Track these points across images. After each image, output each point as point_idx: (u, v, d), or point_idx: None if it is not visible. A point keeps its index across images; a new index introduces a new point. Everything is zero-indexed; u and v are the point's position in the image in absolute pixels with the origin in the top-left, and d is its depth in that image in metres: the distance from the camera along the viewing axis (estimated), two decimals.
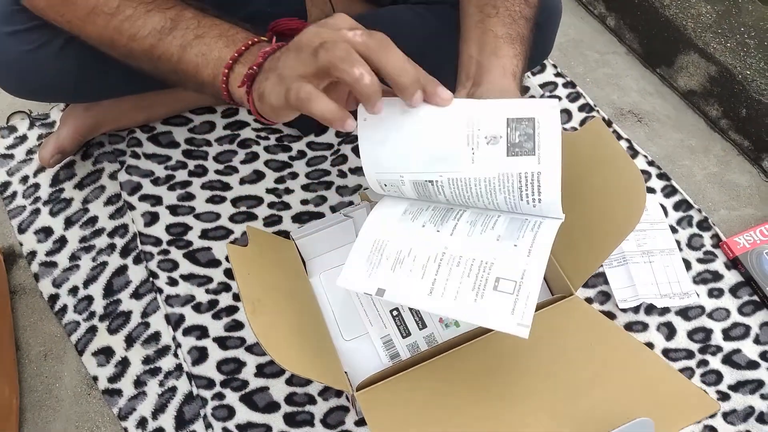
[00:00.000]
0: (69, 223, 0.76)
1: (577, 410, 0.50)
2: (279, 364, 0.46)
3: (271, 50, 0.45)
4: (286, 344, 0.49)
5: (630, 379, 0.52)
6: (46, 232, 0.75)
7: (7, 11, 0.61)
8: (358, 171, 0.82)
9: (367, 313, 0.63)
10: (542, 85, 0.93)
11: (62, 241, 0.75)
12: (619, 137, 0.88)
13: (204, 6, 0.51)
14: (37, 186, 0.79)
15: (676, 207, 0.81)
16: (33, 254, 0.74)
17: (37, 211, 0.77)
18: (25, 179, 0.80)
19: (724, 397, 0.66)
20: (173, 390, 0.65)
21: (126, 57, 0.52)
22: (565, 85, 0.94)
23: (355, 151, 0.84)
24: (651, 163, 0.85)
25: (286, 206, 0.78)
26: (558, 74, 0.95)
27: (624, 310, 0.71)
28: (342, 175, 0.81)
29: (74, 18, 0.52)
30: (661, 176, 0.84)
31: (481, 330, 0.58)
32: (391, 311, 0.63)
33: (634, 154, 0.86)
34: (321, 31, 0.41)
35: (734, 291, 0.74)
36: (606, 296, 0.72)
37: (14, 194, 0.78)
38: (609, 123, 0.90)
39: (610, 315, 0.71)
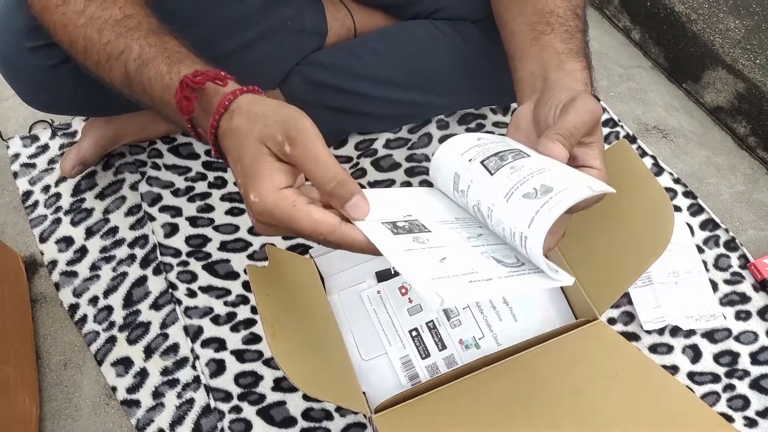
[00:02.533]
0: (90, 233, 0.76)
1: None
2: (299, 388, 0.45)
3: (213, 127, 0.42)
4: (306, 367, 0.48)
5: (655, 412, 0.51)
6: (67, 241, 0.76)
7: (30, 26, 0.62)
8: (377, 185, 0.81)
9: (385, 332, 0.62)
10: None
11: (83, 251, 0.75)
12: (644, 154, 0.86)
13: (152, 30, 0.47)
14: (58, 195, 0.80)
15: (703, 226, 0.79)
16: (54, 263, 0.74)
17: (58, 221, 0.77)
18: (46, 189, 0.80)
19: (751, 423, 0.65)
20: (191, 402, 0.65)
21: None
22: None
23: (374, 164, 0.83)
24: (677, 181, 0.83)
25: None
26: None
27: (648, 332, 0.70)
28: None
29: (69, 51, 0.50)
30: (687, 194, 0.82)
31: (501, 354, 0.57)
32: (410, 331, 0.63)
33: (659, 171, 0.84)
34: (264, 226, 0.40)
35: (762, 314, 0.72)
36: (630, 317, 0.71)
37: (36, 203, 0.79)
38: (633, 139, 0.88)
39: (635, 336, 0.70)
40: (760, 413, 0.65)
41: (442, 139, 0.86)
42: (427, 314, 0.63)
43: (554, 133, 0.42)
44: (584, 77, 0.51)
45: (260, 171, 0.39)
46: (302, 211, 0.38)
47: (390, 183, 0.82)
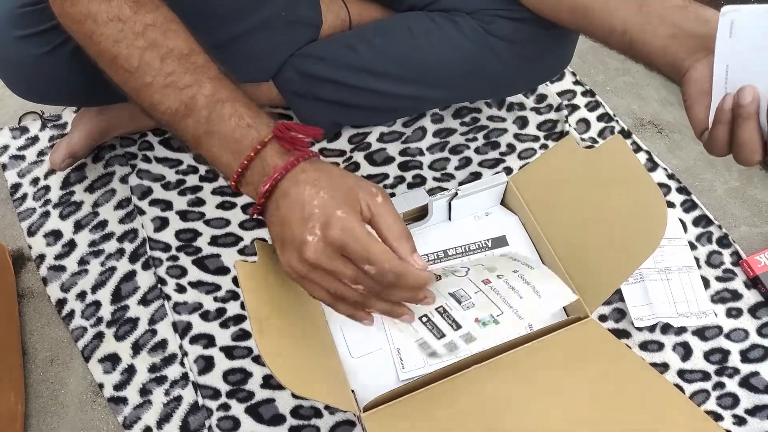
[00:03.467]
0: (79, 226, 0.76)
1: None
2: (286, 386, 0.45)
3: (265, 191, 0.46)
4: (293, 365, 0.47)
5: (643, 411, 0.50)
6: (56, 235, 0.75)
7: (16, 14, 0.61)
8: (370, 178, 0.80)
9: (394, 320, 0.60)
10: (560, 93, 0.91)
11: (71, 245, 0.74)
12: (639, 149, 0.86)
13: (221, 74, 0.49)
14: (47, 188, 0.79)
15: (696, 222, 0.78)
16: (42, 258, 0.73)
17: (47, 214, 0.76)
18: (35, 181, 0.79)
19: (740, 421, 0.65)
20: (179, 399, 0.64)
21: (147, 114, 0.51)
22: (584, 94, 0.92)
23: (368, 158, 0.83)
24: (671, 177, 0.83)
25: None
26: (577, 82, 0.93)
27: (639, 329, 0.69)
28: None
29: (99, 60, 0.50)
30: (681, 190, 0.82)
31: (491, 352, 0.56)
32: (420, 318, 0.61)
33: (654, 166, 0.84)
34: (320, 272, 0.46)
35: (753, 311, 0.72)
36: (621, 314, 0.71)
37: (24, 196, 0.78)
38: (628, 134, 0.88)
39: (625, 333, 0.69)
40: (749, 411, 0.65)
41: (436, 133, 0.86)
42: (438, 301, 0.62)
43: None
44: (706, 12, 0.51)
45: (352, 200, 0.45)
46: (375, 238, 0.44)
47: (383, 177, 0.81)
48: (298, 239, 0.44)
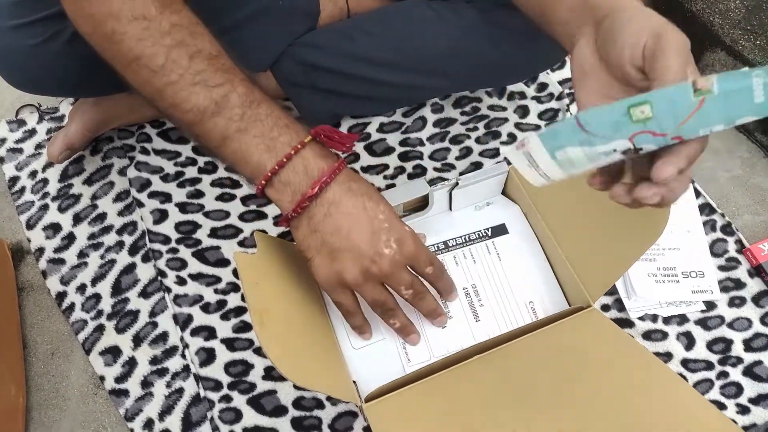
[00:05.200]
0: (77, 219, 0.75)
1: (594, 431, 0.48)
2: (287, 378, 0.44)
3: (313, 194, 0.46)
4: (294, 356, 0.47)
5: (647, 400, 0.50)
6: (55, 228, 0.75)
7: (10, 3, 0.60)
8: (370, 170, 0.80)
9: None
10: (561, 82, 0.90)
11: (70, 238, 0.74)
12: None
13: (253, 78, 0.48)
14: (45, 181, 0.78)
15: (699, 211, 0.78)
16: (41, 251, 0.73)
17: (45, 207, 0.76)
18: (33, 174, 0.79)
19: (744, 410, 0.64)
20: (180, 391, 0.64)
21: (165, 116, 0.49)
22: None
23: (368, 149, 0.82)
24: None
25: None
26: None
27: (642, 318, 0.69)
28: None
29: (117, 62, 0.48)
30: None
31: (493, 342, 0.56)
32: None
33: None
34: (388, 276, 0.51)
35: (757, 300, 0.71)
36: (623, 304, 0.70)
37: (23, 189, 0.78)
38: None
39: (628, 323, 0.69)
40: (752, 400, 0.65)
41: (436, 123, 0.85)
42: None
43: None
44: None
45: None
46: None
47: (383, 168, 0.80)
48: (372, 251, 0.48)
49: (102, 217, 0.75)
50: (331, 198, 0.47)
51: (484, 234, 0.68)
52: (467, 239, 0.68)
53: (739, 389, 0.66)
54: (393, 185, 0.78)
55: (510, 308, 0.63)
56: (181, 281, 0.70)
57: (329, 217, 0.46)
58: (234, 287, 0.70)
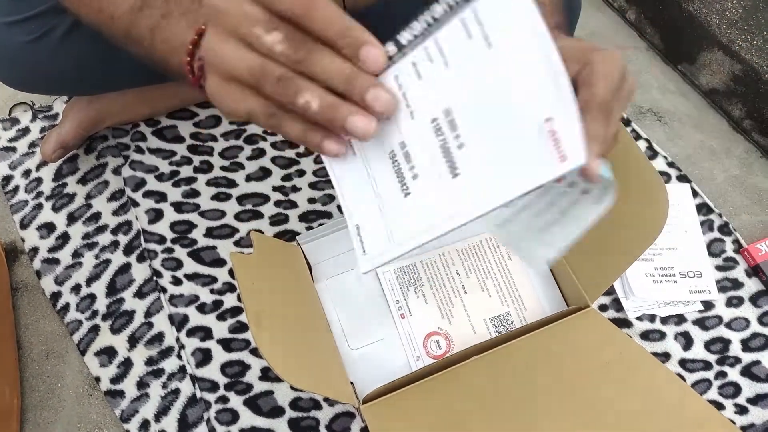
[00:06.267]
0: (72, 219, 0.75)
1: None
2: (284, 379, 0.44)
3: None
4: (291, 358, 0.47)
5: (646, 401, 0.50)
6: (49, 228, 0.74)
7: (2, 0, 0.59)
8: None
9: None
10: None
11: (65, 238, 0.73)
12: (638, 137, 0.85)
13: None
14: (39, 180, 0.77)
15: (696, 211, 0.78)
16: (35, 250, 0.72)
17: (39, 206, 0.75)
18: (27, 173, 0.78)
19: (742, 410, 0.64)
20: (176, 392, 0.64)
21: (117, 42, 0.44)
22: None
23: None
24: (671, 165, 0.82)
25: (293, 205, 0.76)
26: None
27: (640, 318, 0.69)
28: None
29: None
30: (681, 178, 0.81)
31: (491, 342, 0.56)
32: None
33: (654, 154, 0.83)
34: (224, 14, 0.32)
35: (755, 300, 0.71)
36: (621, 304, 0.70)
37: (16, 188, 0.77)
38: (628, 122, 0.87)
39: (626, 323, 0.69)
40: (750, 400, 0.65)
41: None
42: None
43: None
44: None
45: None
46: None
47: None
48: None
49: (96, 216, 0.75)
50: None
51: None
52: (430, 22, 0.33)
53: (737, 389, 0.66)
54: None
55: (512, 145, 0.31)
56: (176, 281, 0.70)
57: None
58: (230, 287, 0.70)
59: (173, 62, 0.39)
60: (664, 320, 0.69)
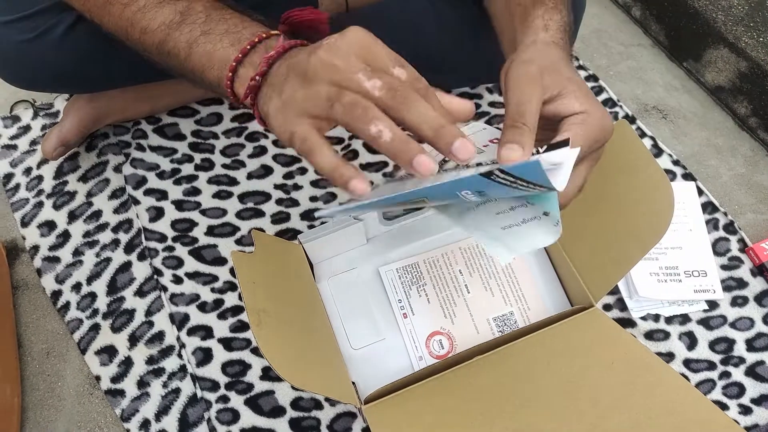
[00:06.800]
0: (72, 217, 0.74)
1: None
2: (285, 379, 0.43)
3: (276, 54, 0.40)
4: (292, 358, 0.46)
5: (651, 402, 0.50)
6: (50, 226, 0.74)
7: None
8: (369, 167, 0.79)
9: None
10: None
11: (65, 236, 0.73)
12: (643, 135, 0.84)
13: None
14: (40, 178, 0.77)
15: (702, 209, 0.77)
16: (36, 249, 0.72)
17: (40, 204, 0.75)
18: (28, 171, 0.78)
19: (746, 411, 0.64)
20: (177, 392, 0.63)
21: (142, 51, 0.48)
22: (587, 79, 0.90)
23: (367, 146, 0.81)
24: (676, 163, 0.81)
25: (295, 203, 0.76)
26: (580, 66, 0.91)
27: (644, 318, 0.68)
28: None
29: (93, 7, 0.49)
30: (687, 176, 0.80)
31: (494, 343, 0.55)
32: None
33: (659, 152, 0.82)
34: (333, 67, 0.36)
35: (760, 299, 0.71)
36: (625, 303, 0.69)
37: (17, 186, 0.77)
38: (633, 119, 0.86)
39: (630, 323, 0.68)
40: (755, 401, 0.64)
41: None
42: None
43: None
44: (542, 22, 0.47)
45: None
46: None
47: (383, 165, 0.80)
48: (310, 57, 0.37)
49: (97, 214, 0.74)
50: (288, 57, 0.40)
51: None
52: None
53: (741, 390, 0.65)
54: None
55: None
56: (177, 280, 0.69)
57: (283, 69, 0.39)
58: (231, 286, 0.69)
59: (210, 75, 0.43)
60: (669, 320, 0.69)
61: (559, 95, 0.42)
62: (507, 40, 0.52)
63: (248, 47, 0.41)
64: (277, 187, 0.77)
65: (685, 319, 0.69)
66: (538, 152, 0.38)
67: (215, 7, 0.45)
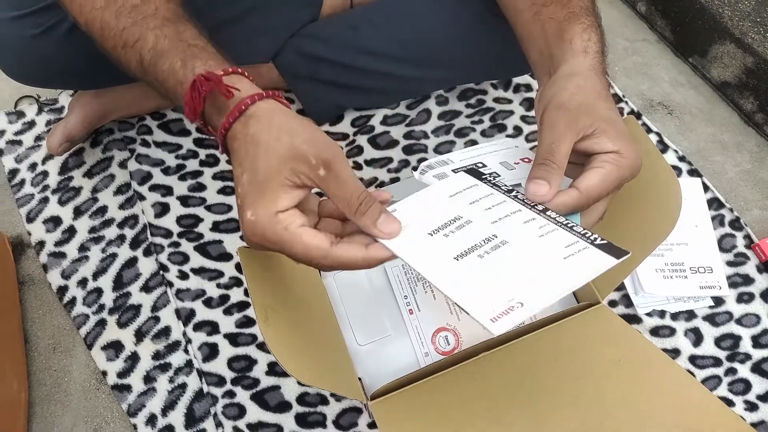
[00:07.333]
0: (78, 212, 0.74)
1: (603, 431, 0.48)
2: (291, 375, 0.43)
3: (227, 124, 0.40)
4: (299, 353, 0.46)
5: (657, 398, 0.50)
6: (55, 221, 0.74)
7: None
8: (373, 163, 0.79)
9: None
10: None
11: (71, 231, 0.73)
12: (649, 130, 0.84)
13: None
14: (45, 174, 0.77)
15: (708, 205, 0.77)
16: (41, 244, 0.72)
17: (45, 200, 0.75)
18: (33, 166, 0.78)
19: (752, 407, 0.64)
20: (183, 387, 0.63)
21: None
22: None
23: (371, 142, 0.81)
24: (682, 159, 0.81)
25: None
26: None
27: (650, 315, 0.68)
28: (357, 167, 0.79)
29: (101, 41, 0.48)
30: (692, 172, 0.80)
31: (501, 339, 0.55)
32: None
33: (665, 148, 0.82)
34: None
35: (766, 296, 0.71)
36: (631, 299, 0.69)
37: (23, 182, 0.77)
38: (638, 115, 0.86)
39: (636, 319, 0.68)
40: (760, 397, 0.64)
41: (441, 116, 0.84)
42: None
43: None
44: (582, 41, 0.47)
45: (268, 190, 0.38)
46: (294, 234, 0.37)
47: (387, 161, 0.79)
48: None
49: (103, 210, 0.75)
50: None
51: None
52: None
53: (747, 386, 0.65)
54: (397, 179, 0.77)
55: None
56: (183, 275, 0.70)
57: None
58: (237, 282, 0.70)
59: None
60: (674, 316, 0.68)
61: (593, 134, 0.43)
62: (536, 52, 0.51)
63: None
64: None
65: (690, 315, 0.69)
66: (593, 241, 0.40)
67: (157, 55, 0.43)
